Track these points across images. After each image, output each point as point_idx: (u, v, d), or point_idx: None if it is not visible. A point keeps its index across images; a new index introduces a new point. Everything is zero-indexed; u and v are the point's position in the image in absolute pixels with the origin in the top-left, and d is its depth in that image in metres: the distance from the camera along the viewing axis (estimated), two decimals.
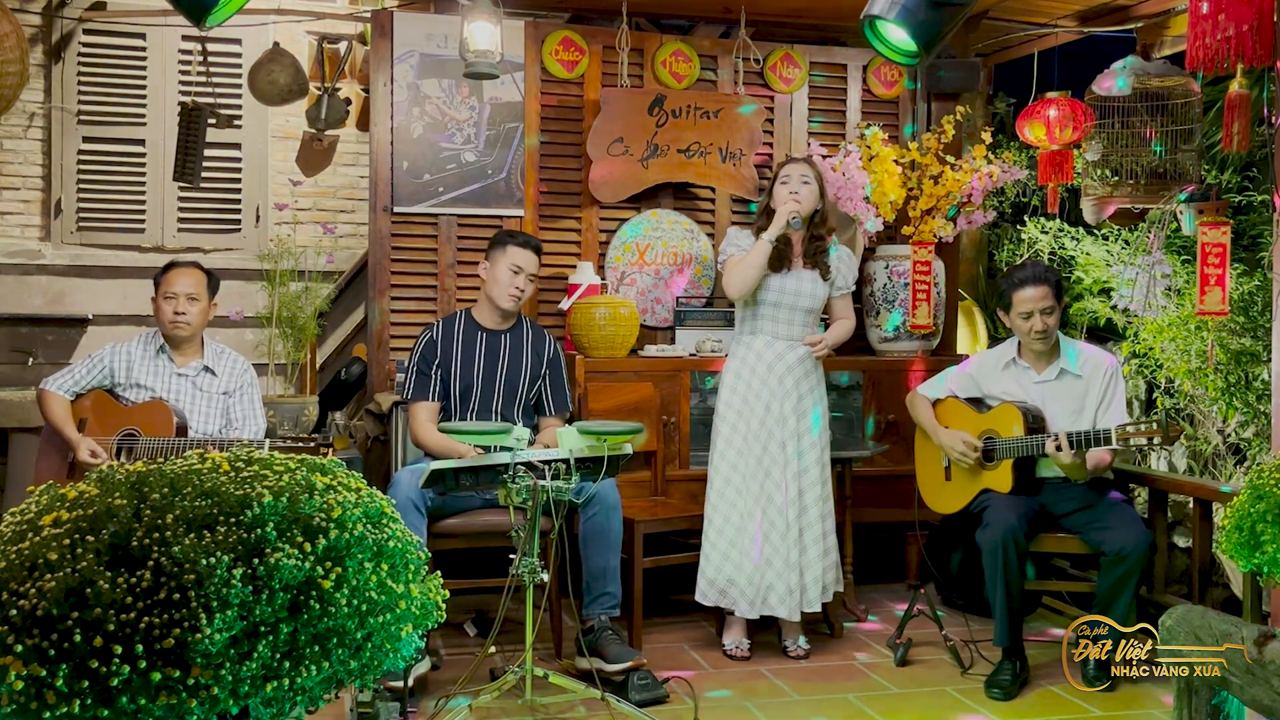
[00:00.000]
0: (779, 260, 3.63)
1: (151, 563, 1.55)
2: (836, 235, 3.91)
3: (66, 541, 1.57)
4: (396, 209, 4.41)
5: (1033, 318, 3.55)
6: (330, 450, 3.30)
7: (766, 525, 3.60)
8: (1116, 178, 4.11)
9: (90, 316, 5.16)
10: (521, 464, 2.97)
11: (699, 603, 3.70)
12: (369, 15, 4.65)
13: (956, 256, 4.96)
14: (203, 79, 5.00)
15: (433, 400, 3.69)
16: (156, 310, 3.65)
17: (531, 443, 3.36)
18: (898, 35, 3.50)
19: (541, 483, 2.92)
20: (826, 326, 3.83)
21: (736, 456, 3.64)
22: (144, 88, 5.35)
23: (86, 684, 1.49)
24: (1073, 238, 5.27)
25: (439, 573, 1.92)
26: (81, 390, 3.59)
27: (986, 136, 4.65)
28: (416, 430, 3.67)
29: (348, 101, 5.37)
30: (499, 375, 3.73)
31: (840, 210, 4.55)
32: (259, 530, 1.61)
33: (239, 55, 5.33)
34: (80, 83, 5.28)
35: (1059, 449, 3.37)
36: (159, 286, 3.65)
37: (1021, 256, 5.39)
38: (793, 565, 3.59)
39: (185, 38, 5.26)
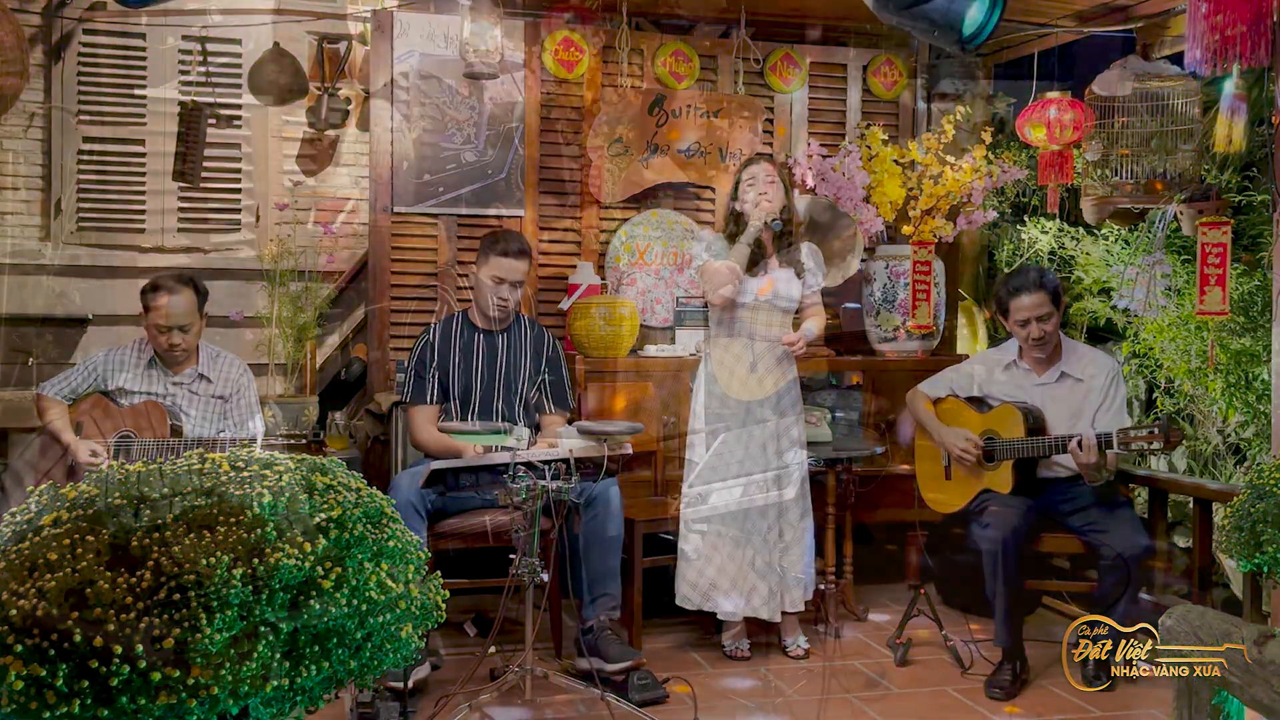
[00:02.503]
0: (753, 262, 3.64)
1: (151, 563, 1.55)
2: (838, 233, 3.92)
3: (66, 541, 1.57)
4: (396, 209, 4.41)
5: (1029, 325, 3.54)
6: (322, 448, 3.29)
7: (749, 528, 3.60)
8: (1116, 178, 4.10)
9: (90, 317, 5.15)
10: (521, 464, 2.97)
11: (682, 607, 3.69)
12: (369, 15, 4.65)
13: (956, 256, 4.96)
14: (203, 79, 4.99)
15: (431, 403, 3.69)
16: (148, 331, 3.59)
17: (533, 443, 3.36)
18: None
19: (541, 483, 2.93)
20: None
21: (716, 459, 3.64)
22: (144, 88, 5.34)
23: (86, 684, 1.49)
24: (1073, 238, 5.26)
25: (439, 573, 1.92)
26: (77, 395, 3.58)
27: (986, 136, 4.65)
28: (415, 432, 3.67)
29: (348, 101, 5.37)
30: (498, 375, 3.73)
31: (840, 210, 4.54)
32: (259, 530, 1.61)
33: (239, 55, 5.32)
34: (80, 83, 5.27)
35: (1085, 447, 3.32)
36: (147, 310, 3.56)
37: (1021, 257, 5.38)
38: (773, 566, 3.60)
39: (185, 38, 5.26)
